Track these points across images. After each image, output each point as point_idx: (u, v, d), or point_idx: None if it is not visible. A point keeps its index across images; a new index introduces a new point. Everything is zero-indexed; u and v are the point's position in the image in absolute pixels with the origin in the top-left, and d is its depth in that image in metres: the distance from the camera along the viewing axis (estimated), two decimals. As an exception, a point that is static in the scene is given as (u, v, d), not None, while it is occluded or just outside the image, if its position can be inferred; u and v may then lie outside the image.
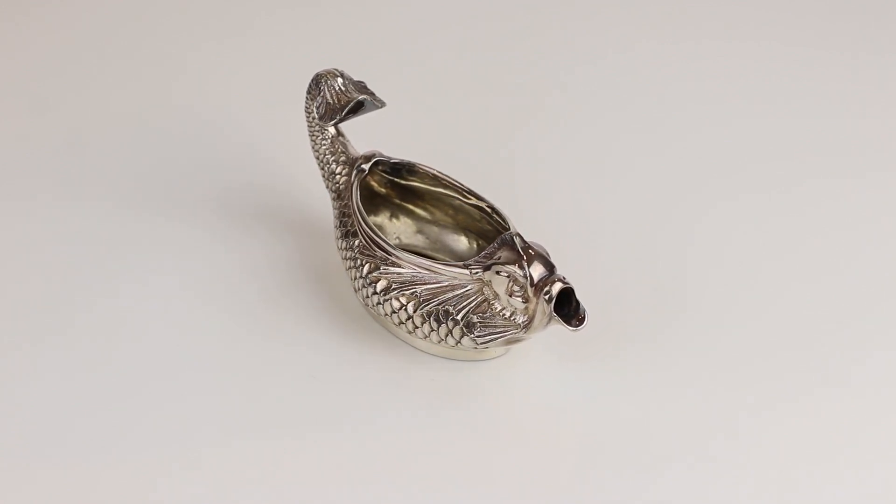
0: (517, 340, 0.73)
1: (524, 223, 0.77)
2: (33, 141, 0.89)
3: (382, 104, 0.78)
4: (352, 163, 0.79)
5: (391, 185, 0.81)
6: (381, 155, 0.79)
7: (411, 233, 0.81)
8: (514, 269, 0.70)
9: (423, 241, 0.80)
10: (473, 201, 0.78)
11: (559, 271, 0.71)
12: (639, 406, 0.73)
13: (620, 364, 0.75)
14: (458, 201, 0.79)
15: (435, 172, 0.79)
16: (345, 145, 0.79)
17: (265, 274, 0.80)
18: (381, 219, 0.81)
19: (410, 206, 0.81)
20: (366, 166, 0.79)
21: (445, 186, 0.79)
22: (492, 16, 1.00)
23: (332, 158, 0.79)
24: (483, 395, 0.74)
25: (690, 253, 0.82)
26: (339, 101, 0.78)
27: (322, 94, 0.78)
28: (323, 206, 0.83)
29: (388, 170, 0.80)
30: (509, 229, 0.74)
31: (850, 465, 0.71)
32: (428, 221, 0.80)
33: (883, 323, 0.78)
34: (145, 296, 0.79)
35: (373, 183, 0.80)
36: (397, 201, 0.81)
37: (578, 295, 0.70)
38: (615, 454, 0.71)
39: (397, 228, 0.81)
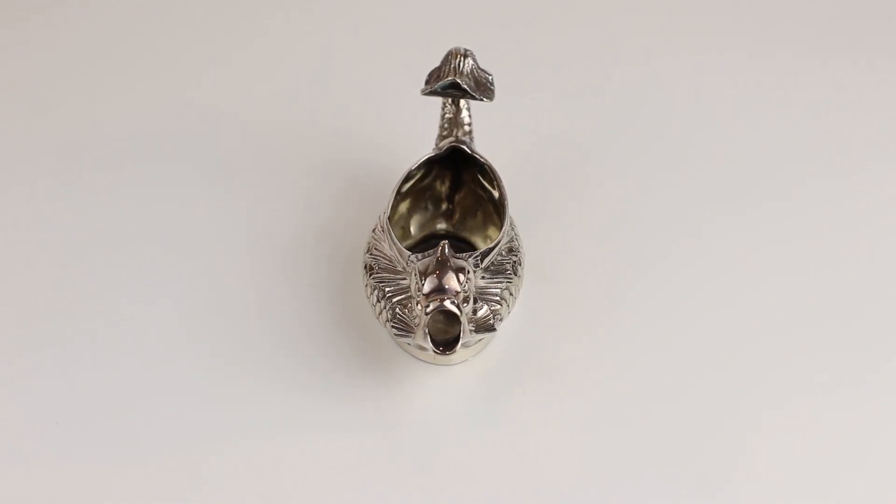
0: (422, 347, 0.73)
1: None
2: (38, 133, 0.89)
3: (483, 98, 0.79)
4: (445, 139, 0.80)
5: (475, 181, 0.81)
6: (465, 146, 0.80)
7: (478, 229, 0.81)
8: (419, 275, 0.71)
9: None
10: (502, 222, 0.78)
11: (464, 297, 0.70)
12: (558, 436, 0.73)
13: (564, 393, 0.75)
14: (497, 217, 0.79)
15: (496, 181, 0.79)
16: (458, 123, 0.80)
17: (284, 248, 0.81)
18: (477, 211, 0.82)
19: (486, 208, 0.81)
20: (441, 147, 0.80)
21: (497, 194, 0.79)
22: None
23: (445, 132, 0.80)
24: (407, 402, 0.75)
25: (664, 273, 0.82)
26: (443, 76, 0.78)
27: (441, 65, 0.79)
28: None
29: (468, 163, 0.81)
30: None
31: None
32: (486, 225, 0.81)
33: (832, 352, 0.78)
34: (149, 292, 0.80)
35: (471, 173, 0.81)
36: (477, 197, 0.82)
37: (462, 329, 0.70)
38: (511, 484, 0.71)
39: (466, 223, 0.81)
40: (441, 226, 0.82)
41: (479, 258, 0.73)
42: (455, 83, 0.77)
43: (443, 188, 0.82)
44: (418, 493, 0.70)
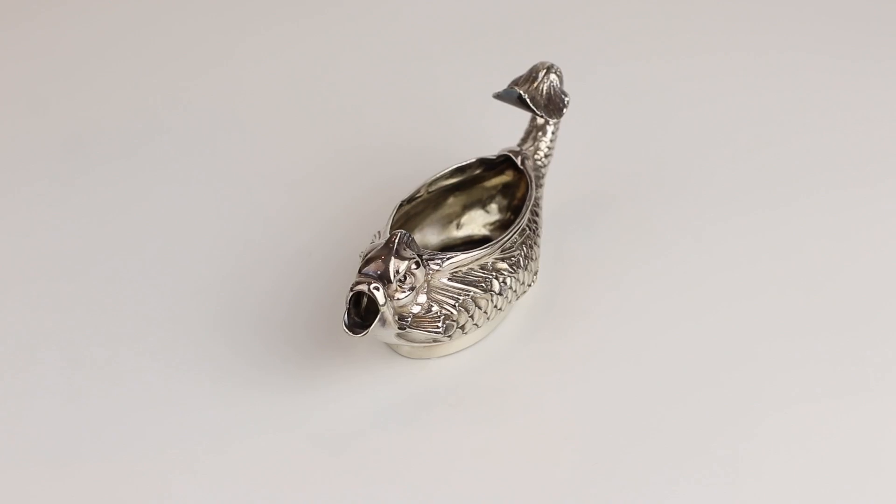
0: None
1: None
2: (38, 133, 0.89)
3: (543, 115, 0.78)
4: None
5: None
6: (519, 157, 0.79)
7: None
8: (363, 256, 0.71)
9: None
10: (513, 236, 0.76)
11: (398, 286, 0.70)
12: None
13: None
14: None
15: (527, 201, 0.78)
16: (536, 136, 0.80)
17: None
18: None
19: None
20: (495, 155, 0.80)
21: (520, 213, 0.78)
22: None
23: (521, 140, 0.81)
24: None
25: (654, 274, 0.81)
26: (520, 85, 0.78)
27: (524, 75, 0.79)
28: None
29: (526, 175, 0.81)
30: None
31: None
32: None
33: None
34: (146, 290, 0.79)
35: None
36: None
37: (381, 317, 0.70)
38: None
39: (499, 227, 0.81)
40: (491, 232, 0.81)
41: (440, 261, 0.72)
42: (519, 94, 0.78)
43: (510, 197, 0.81)
44: (364, 489, 0.70)
